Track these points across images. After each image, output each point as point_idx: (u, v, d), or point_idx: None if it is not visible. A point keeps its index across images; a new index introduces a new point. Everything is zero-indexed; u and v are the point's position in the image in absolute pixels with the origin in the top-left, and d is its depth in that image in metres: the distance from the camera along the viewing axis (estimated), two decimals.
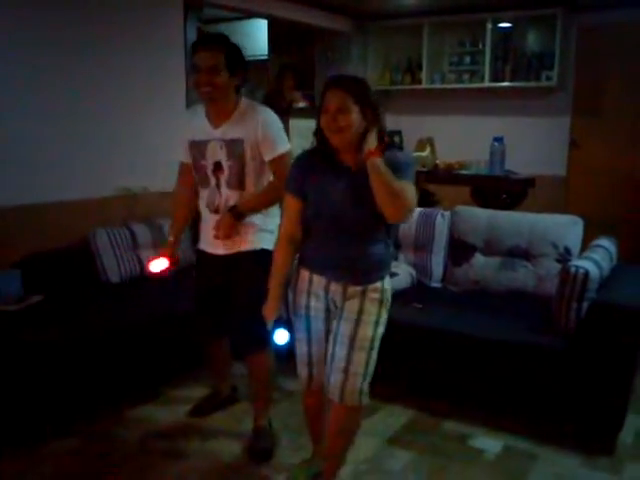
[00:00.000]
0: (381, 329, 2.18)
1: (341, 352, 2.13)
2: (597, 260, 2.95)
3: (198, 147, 2.57)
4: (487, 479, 2.52)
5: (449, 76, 6.05)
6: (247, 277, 2.57)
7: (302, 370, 2.30)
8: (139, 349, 3.07)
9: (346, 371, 2.12)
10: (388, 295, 2.20)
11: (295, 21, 5.41)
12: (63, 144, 3.57)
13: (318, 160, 2.14)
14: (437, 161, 5.24)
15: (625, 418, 2.67)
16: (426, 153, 5.26)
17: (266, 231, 2.60)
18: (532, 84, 5.59)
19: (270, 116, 2.54)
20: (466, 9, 5.58)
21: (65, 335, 2.82)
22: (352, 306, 2.15)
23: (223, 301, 2.68)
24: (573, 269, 2.81)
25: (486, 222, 3.58)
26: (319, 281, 2.19)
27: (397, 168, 2.02)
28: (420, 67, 6.08)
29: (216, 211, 2.58)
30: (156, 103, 4.05)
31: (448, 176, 5.10)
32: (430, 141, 5.32)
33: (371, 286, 2.15)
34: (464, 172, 5.10)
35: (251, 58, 6.70)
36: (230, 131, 2.50)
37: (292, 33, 6.13)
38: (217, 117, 2.53)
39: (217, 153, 2.53)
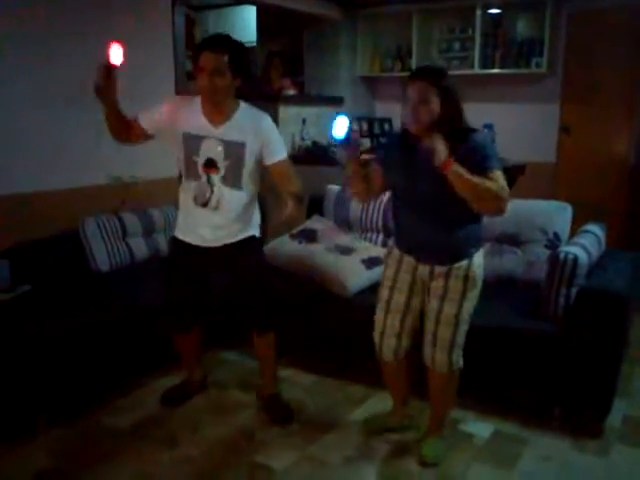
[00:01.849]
0: (468, 304, 2.36)
1: (430, 326, 2.41)
2: (586, 246, 2.96)
3: (193, 142, 2.59)
4: (477, 463, 2.54)
5: (439, 63, 6.02)
6: (250, 263, 2.74)
7: (375, 337, 2.55)
8: (129, 338, 3.07)
9: (434, 344, 2.41)
10: (476, 271, 2.35)
11: (284, 8, 5.37)
12: (52, 132, 3.53)
13: (400, 142, 2.34)
14: None
15: (612, 402, 2.70)
16: None
17: (253, 224, 2.78)
18: (522, 70, 5.59)
19: (272, 123, 2.67)
20: None
21: (54, 325, 2.80)
22: (438, 284, 2.36)
23: (203, 290, 2.83)
24: (562, 255, 2.82)
25: None
26: (408, 261, 2.42)
27: (483, 159, 2.16)
28: (410, 54, 6.05)
29: (204, 205, 2.64)
30: (144, 90, 3.99)
31: None
32: None
33: (456, 265, 2.33)
34: None
35: None
36: (231, 132, 2.57)
37: (281, 20, 6.09)
38: (217, 116, 2.57)
39: (212, 151, 2.57)
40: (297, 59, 6.23)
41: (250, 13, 6.57)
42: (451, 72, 6.16)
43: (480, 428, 2.78)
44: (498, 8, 5.69)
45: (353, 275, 3.25)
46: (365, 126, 6.09)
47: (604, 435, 2.70)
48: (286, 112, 5.40)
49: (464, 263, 2.33)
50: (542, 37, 5.42)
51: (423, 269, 2.39)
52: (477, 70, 5.71)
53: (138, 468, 2.51)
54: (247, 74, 2.59)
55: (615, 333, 2.66)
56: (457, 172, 2.09)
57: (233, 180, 2.61)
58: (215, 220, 2.66)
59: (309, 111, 5.65)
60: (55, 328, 2.79)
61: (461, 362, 2.48)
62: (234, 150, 2.57)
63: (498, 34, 5.71)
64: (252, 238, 2.75)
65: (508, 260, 3.39)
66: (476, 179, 2.10)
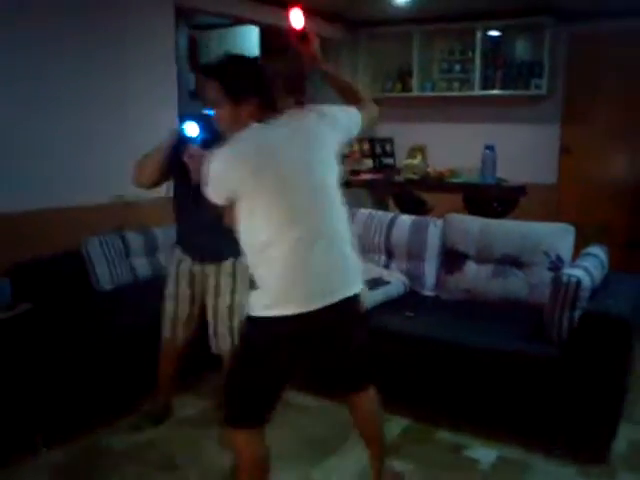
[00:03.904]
0: (239, 297, 2.66)
1: (210, 320, 2.76)
2: (589, 268, 2.96)
3: None
4: None
5: (440, 84, 6.06)
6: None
7: (166, 323, 2.85)
8: (131, 357, 3.04)
9: (216, 335, 2.75)
10: (244, 269, 2.44)
11: (286, 28, 5.41)
12: (55, 151, 3.54)
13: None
14: (428, 169, 5.26)
15: (618, 427, 2.68)
16: (417, 161, 5.28)
17: None
18: (522, 92, 5.62)
19: None
20: (456, 17, 5.61)
21: (54, 344, 2.80)
22: (211, 282, 2.71)
23: None
24: (565, 278, 2.81)
25: (478, 230, 3.59)
26: (186, 259, 2.78)
27: None
28: (411, 75, 6.09)
29: None
30: (147, 110, 4.03)
31: (439, 184, 5.11)
32: (421, 149, 5.34)
33: (223, 264, 2.68)
34: (455, 180, 5.11)
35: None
36: None
37: (283, 40, 6.13)
38: None
39: None
40: (299, 78, 6.25)
41: (253, 33, 6.61)
42: (452, 93, 6.28)
43: (484, 453, 2.75)
44: (498, 30, 5.74)
45: None
46: (366, 146, 6.10)
47: (609, 461, 2.67)
48: None
49: (230, 262, 2.66)
50: (542, 59, 5.46)
51: (197, 267, 2.74)
52: (477, 91, 5.75)
53: None
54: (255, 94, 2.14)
55: (619, 356, 2.65)
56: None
57: None
58: None
59: None
60: (55, 347, 2.78)
61: None
62: None
63: (498, 56, 5.76)
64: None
65: (511, 282, 3.39)
66: None
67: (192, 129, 2.32)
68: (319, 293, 1.94)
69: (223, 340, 2.75)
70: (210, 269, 2.72)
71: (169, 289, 2.83)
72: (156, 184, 2.72)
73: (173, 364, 2.96)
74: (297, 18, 2.35)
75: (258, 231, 1.91)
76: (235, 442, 2.05)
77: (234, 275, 2.70)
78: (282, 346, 1.95)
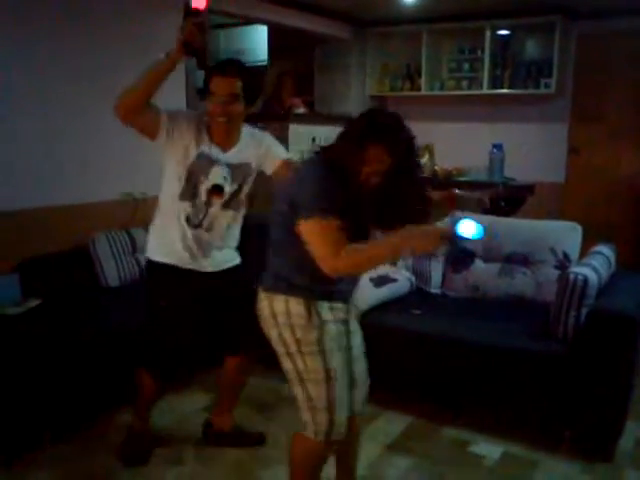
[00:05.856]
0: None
1: (361, 366, 2.15)
2: (596, 267, 2.95)
3: (205, 163, 2.46)
4: None
5: (448, 83, 6.06)
6: (242, 286, 2.57)
7: (340, 418, 1.94)
8: (138, 353, 3.05)
9: (367, 383, 2.17)
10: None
11: (294, 27, 5.43)
12: (63, 148, 3.57)
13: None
14: (436, 167, 5.26)
15: (624, 425, 2.67)
16: (425, 159, 5.26)
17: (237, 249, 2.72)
18: (531, 91, 5.61)
19: (270, 136, 2.65)
20: (465, 16, 5.60)
21: (63, 339, 2.81)
22: (352, 316, 2.18)
23: (206, 317, 2.66)
24: (572, 276, 2.80)
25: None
26: (338, 308, 2.01)
27: None
28: (419, 74, 6.10)
29: (196, 226, 2.51)
30: None
31: (446, 183, 5.10)
32: (429, 147, 5.33)
33: None
34: (463, 179, 5.11)
35: (251, 64, 6.74)
36: (239, 155, 2.51)
37: (291, 39, 6.15)
38: (227, 141, 2.49)
39: (220, 177, 2.48)
40: (307, 78, 6.28)
41: (261, 32, 6.64)
42: (461, 92, 6.28)
43: (490, 450, 2.75)
44: (507, 29, 5.73)
45: (362, 293, 3.23)
46: None
47: (616, 459, 2.66)
48: (296, 130, 5.43)
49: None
50: (551, 58, 5.44)
51: (350, 307, 2.08)
52: (486, 90, 5.74)
53: None
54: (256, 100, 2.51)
55: (626, 354, 2.64)
56: None
57: (232, 203, 2.55)
58: (210, 241, 2.55)
59: (319, 130, 5.66)
60: (64, 342, 2.79)
61: None
62: (241, 172, 2.52)
63: (507, 55, 5.75)
64: (241, 265, 2.70)
65: (518, 280, 3.38)
66: None
67: (469, 228, 1.85)
68: None
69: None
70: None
71: (331, 363, 1.91)
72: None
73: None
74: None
75: None
76: None
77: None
78: None
